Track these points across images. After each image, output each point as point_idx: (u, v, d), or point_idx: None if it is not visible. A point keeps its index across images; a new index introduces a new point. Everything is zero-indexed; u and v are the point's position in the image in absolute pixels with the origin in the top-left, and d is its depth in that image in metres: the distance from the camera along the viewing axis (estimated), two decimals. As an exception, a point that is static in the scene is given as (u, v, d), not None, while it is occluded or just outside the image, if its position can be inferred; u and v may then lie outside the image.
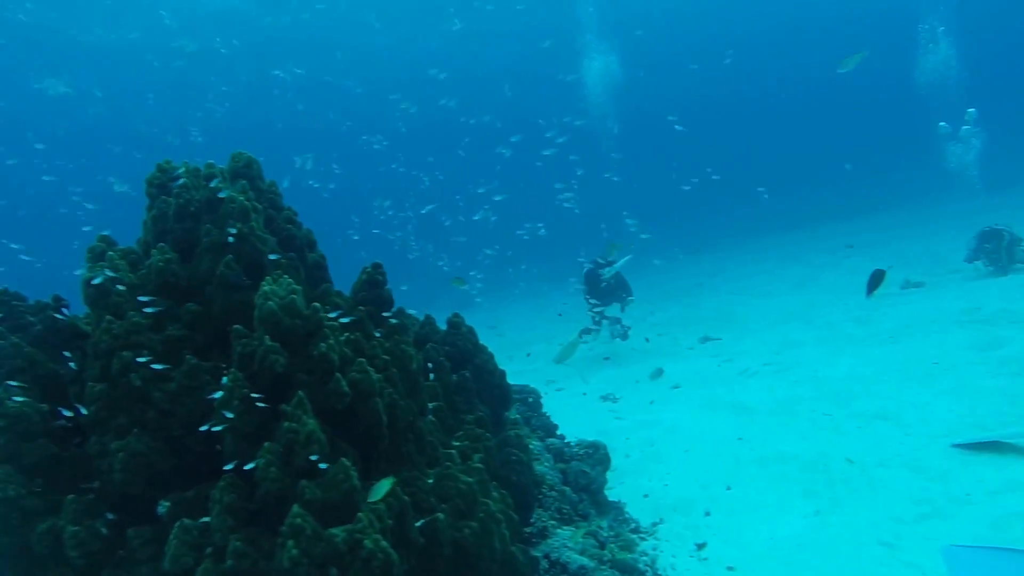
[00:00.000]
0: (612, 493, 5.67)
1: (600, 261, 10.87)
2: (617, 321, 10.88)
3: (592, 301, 10.86)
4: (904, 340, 8.18)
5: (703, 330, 11.18)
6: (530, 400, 6.38)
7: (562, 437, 6.24)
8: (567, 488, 4.75)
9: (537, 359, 11.63)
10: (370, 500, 2.81)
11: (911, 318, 9.10)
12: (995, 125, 18.38)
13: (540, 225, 16.99)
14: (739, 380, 7.97)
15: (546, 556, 4.01)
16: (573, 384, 9.50)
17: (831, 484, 5.09)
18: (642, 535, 5.04)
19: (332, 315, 3.40)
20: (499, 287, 20.30)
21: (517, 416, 5.35)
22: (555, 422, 6.44)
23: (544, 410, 6.60)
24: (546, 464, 4.84)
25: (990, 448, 4.99)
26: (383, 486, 2.84)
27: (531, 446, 4.94)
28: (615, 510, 5.15)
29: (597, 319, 10.92)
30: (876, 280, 5.57)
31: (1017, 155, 23.32)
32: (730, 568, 4.34)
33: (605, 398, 8.47)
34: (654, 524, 5.14)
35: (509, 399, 4.89)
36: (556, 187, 16.15)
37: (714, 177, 20.45)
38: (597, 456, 5.25)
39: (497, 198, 18.22)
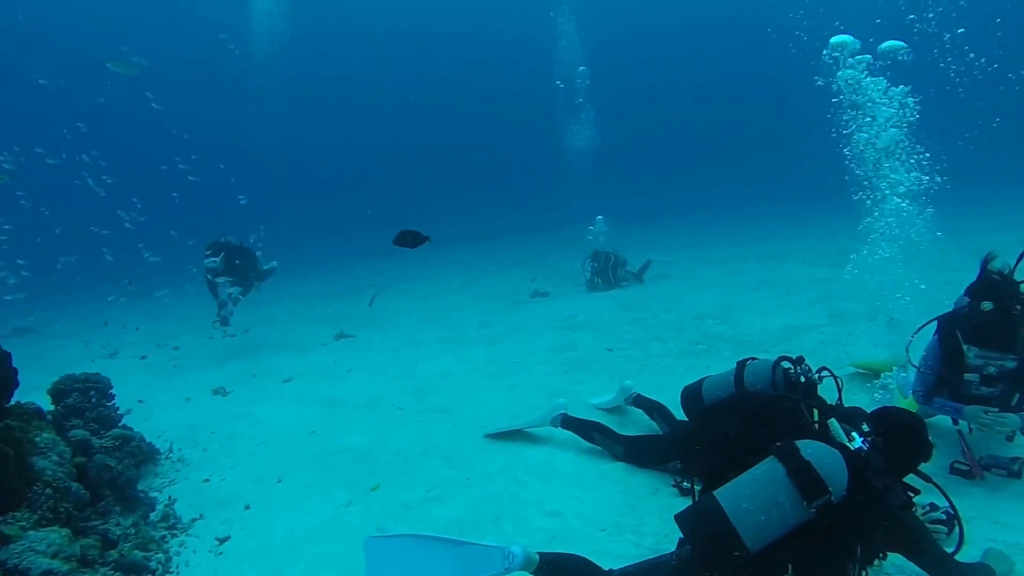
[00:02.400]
0: (174, 488, 5.45)
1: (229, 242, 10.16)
2: (226, 305, 10.20)
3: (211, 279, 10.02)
4: (505, 342, 8.89)
5: (348, 326, 11.22)
6: (94, 388, 5.84)
7: (127, 428, 5.83)
8: (74, 484, 4.38)
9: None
10: None
11: (522, 323, 9.94)
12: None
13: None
14: (344, 376, 8.09)
15: (2, 564, 3.64)
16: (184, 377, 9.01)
17: (373, 475, 5.28)
18: (175, 532, 4.84)
19: None
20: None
21: (36, 406, 4.86)
22: (121, 413, 6.07)
23: (116, 401, 6.12)
24: (52, 459, 4.42)
25: (511, 436, 5.54)
26: None
27: (40, 439, 4.50)
28: (146, 506, 4.88)
29: (221, 303, 10.13)
30: (407, 239, 5.77)
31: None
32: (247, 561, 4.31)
33: (216, 391, 8.11)
34: (193, 520, 4.96)
35: (9, 387, 4.41)
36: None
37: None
38: (128, 448, 4.94)
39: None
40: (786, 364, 4.05)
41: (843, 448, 2.80)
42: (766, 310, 8.79)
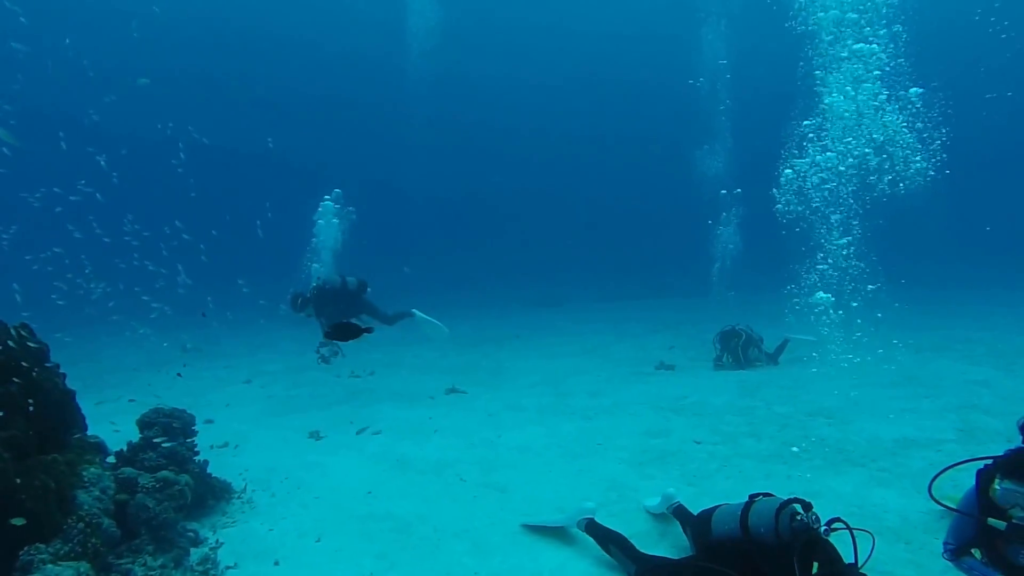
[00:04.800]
0: (231, 531, 5.65)
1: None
2: (329, 343, 10.12)
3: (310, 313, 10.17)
4: (602, 418, 8.51)
5: (466, 380, 11.27)
6: (175, 425, 6.21)
7: (202, 467, 6.15)
8: (106, 520, 4.63)
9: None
10: None
11: (631, 398, 9.49)
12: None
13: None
14: (430, 435, 8.06)
15: (14, 593, 3.88)
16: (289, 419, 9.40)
17: (404, 548, 5.19)
18: (203, 578, 5.00)
19: None
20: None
21: (98, 440, 5.22)
22: (210, 447, 6.42)
23: (197, 439, 6.46)
24: (94, 494, 4.71)
25: (550, 532, 5.21)
26: None
27: (88, 472, 4.81)
28: (180, 549, 5.06)
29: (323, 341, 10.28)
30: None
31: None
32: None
33: (312, 434, 8.39)
34: (227, 568, 5.09)
35: (75, 419, 4.77)
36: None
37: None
38: (170, 491, 5.15)
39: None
40: (796, 507, 3.51)
41: None
42: (890, 413, 7.86)
